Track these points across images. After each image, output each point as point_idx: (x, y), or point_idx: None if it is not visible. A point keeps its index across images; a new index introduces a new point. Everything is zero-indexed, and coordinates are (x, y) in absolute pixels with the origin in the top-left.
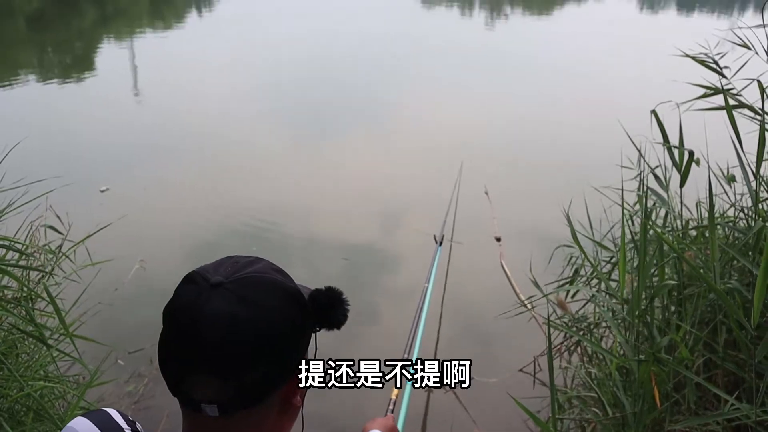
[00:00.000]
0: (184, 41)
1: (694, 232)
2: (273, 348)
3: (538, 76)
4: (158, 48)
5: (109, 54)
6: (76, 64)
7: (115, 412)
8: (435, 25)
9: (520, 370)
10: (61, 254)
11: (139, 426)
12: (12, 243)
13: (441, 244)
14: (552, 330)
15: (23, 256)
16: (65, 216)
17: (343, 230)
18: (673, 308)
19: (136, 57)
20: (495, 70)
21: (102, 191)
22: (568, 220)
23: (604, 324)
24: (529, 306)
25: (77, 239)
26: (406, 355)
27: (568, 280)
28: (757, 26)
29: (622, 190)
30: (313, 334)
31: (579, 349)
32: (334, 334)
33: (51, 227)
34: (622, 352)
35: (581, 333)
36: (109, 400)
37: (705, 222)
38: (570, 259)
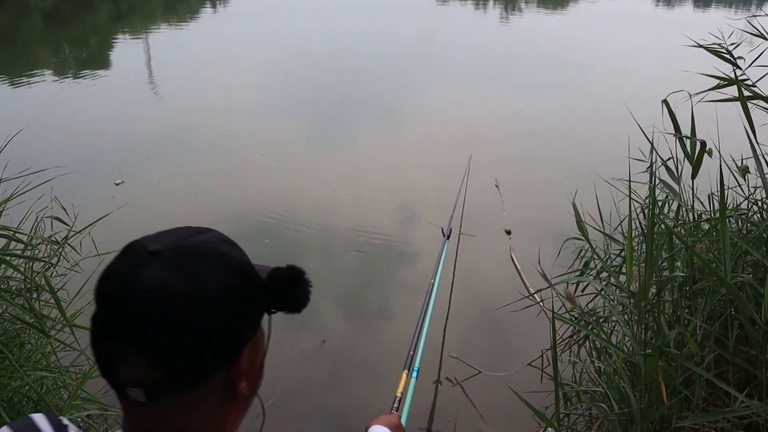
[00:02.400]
0: (199, 37)
1: (706, 225)
2: (210, 326)
3: (550, 70)
4: (173, 43)
5: (124, 49)
6: (92, 59)
7: (42, 417)
8: (449, 20)
9: (529, 364)
10: (65, 244)
11: (72, 430)
12: (14, 233)
13: (449, 237)
14: (561, 324)
15: (27, 247)
16: (71, 208)
17: (357, 223)
18: (683, 302)
19: (150, 52)
20: (508, 64)
21: (117, 184)
22: (575, 209)
23: (613, 318)
24: (538, 299)
25: (84, 227)
26: (411, 351)
27: (577, 272)
28: None
29: (630, 181)
30: (269, 317)
31: (588, 343)
32: (347, 323)
33: (57, 218)
34: (629, 346)
35: (589, 327)
36: (111, 391)
37: (717, 214)
38: (580, 252)
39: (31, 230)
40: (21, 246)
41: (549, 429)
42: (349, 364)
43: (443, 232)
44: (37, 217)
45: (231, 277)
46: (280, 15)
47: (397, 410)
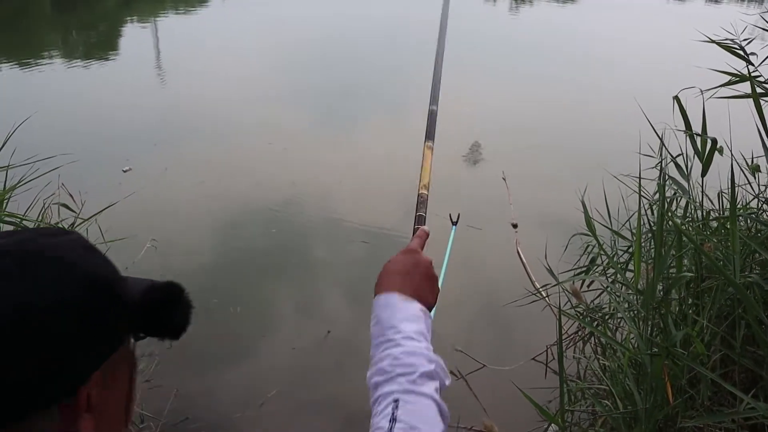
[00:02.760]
0: (207, 24)
1: (715, 224)
2: (33, 348)
3: (559, 62)
4: (181, 30)
5: (132, 35)
6: (100, 45)
7: None
8: (457, 10)
9: (533, 359)
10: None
11: None
12: (21, 221)
13: (456, 223)
14: (567, 319)
15: None
16: (78, 195)
17: (363, 213)
18: (690, 301)
19: (158, 39)
20: (517, 56)
21: (125, 171)
22: (583, 206)
23: (619, 315)
24: (543, 294)
25: (91, 215)
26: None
27: (584, 269)
28: None
29: (640, 177)
30: (133, 342)
31: (593, 339)
32: (352, 314)
33: (63, 205)
34: (635, 344)
35: (595, 324)
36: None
37: (726, 213)
38: (587, 247)
39: (38, 217)
40: None
41: (552, 425)
42: (354, 355)
43: (451, 219)
44: (44, 204)
45: (74, 289)
46: (290, 2)
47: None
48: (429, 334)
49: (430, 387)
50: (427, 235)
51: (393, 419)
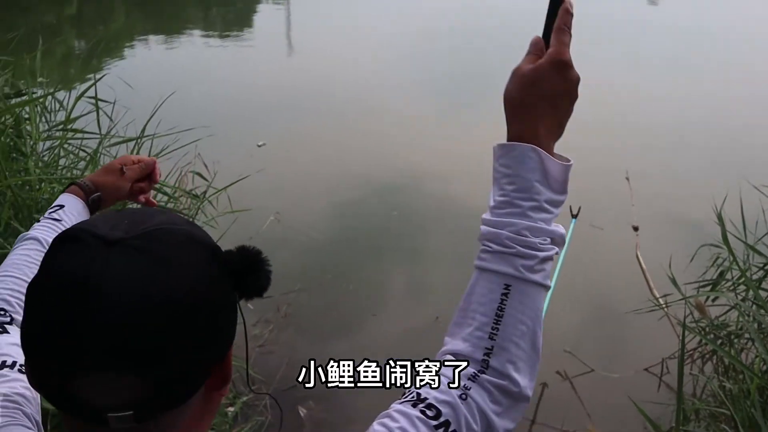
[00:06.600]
0: (340, 4)
1: None
2: (199, 323)
3: (707, 56)
4: (314, 9)
5: (267, 12)
6: (237, 21)
7: None
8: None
9: (646, 369)
10: (204, 199)
11: None
12: (161, 186)
13: (576, 216)
14: (686, 333)
15: (170, 200)
16: (211, 165)
17: (483, 203)
18: None
19: (291, 17)
20: (657, 46)
21: (259, 146)
22: (720, 220)
23: (747, 335)
24: (663, 304)
25: (223, 187)
26: None
27: (711, 282)
28: None
29: None
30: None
31: (714, 358)
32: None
33: (198, 174)
34: (765, 369)
35: (719, 342)
36: (235, 341)
37: None
38: (716, 259)
39: (175, 183)
40: (165, 198)
41: None
42: None
43: (571, 211)
44: (180, 172)
45: (209, 262)
46: None
47: None
48: (566, 186)
49: (545, 273)
50: (571, 15)
51: (501, 308)
